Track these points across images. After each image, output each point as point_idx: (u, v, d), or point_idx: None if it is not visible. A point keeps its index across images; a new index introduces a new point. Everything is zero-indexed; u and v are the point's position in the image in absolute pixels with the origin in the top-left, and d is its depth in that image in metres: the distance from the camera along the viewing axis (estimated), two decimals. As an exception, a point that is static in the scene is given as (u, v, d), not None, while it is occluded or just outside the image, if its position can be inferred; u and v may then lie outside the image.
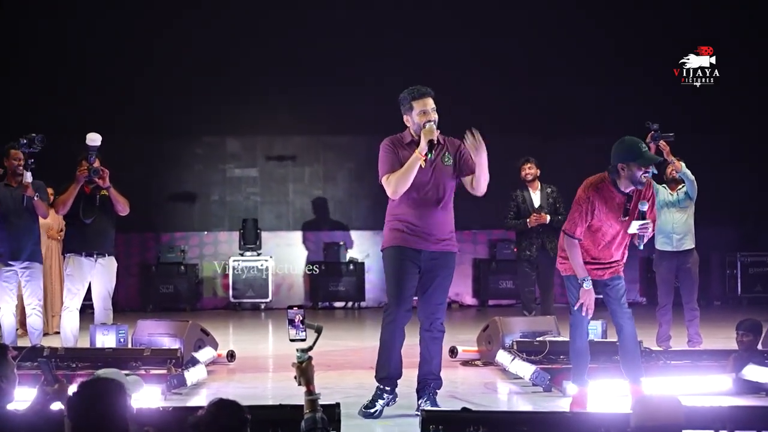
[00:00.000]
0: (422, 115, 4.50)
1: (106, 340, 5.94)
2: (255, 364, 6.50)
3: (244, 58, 11.27)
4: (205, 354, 6.03)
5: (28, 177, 6.02)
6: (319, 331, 3.24)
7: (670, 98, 10.20)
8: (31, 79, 11.00)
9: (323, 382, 5.04)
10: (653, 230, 4.52)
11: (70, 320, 6.18)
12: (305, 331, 3.21)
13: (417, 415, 4.16)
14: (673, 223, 6.73)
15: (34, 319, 6.25)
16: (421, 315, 4.57)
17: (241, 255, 11.11)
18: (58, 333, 6.77)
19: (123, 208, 6.25)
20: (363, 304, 11.15)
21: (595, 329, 5.86)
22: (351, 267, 11.20)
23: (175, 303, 10.86)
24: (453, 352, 6.42)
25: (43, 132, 6.08)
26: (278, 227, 11.65)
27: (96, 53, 11.09)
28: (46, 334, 7.22)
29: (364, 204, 11.44)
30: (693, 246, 6.79)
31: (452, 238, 4.58)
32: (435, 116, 4.51)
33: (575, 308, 4.50)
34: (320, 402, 3.06)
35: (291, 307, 3.26)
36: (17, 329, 6.60)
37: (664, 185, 6.79)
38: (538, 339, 5.88)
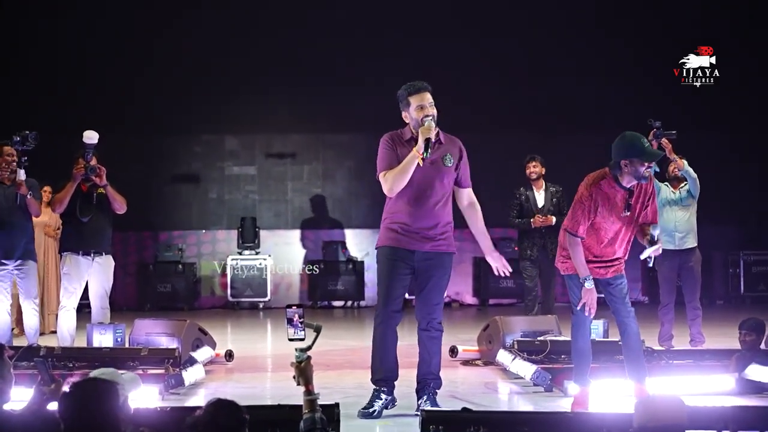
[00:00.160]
0: (419, 110, 4.45)
1: (103, 339, 5.92)
2: (253, 364, 6.48)
3: (243, 55, 11.27)
4: (203, 354, 6.01)
5: (22, 175, 5.97)
6: (318, 330, 3.22)
7: (670, 98, 10.20)
8: (31, 79, 10.99)
9: (322, 382, 5.03)
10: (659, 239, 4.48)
11: (66, 319, 6.15)
12: (304, 330, 3.20)
13: (417, 415, 4.13)
14: (676, 222, 6.71)
15: (31, 318, 6.21)
16: (419, 315, 4.55)
17: (240, 254, 11.09)
18: (55, 332, 6.74)
19: (120, 206, 6.22)
20: (362, 303, 11.13)
21: (596, 329, 5.83)
22: (350, 266, 11.18)
23: (172, 302, 10.86)
24: (453, 351, 6.40)
25: (42, 131, 6.03)
26: (277, 226, 11.64)
27: (95, 52, 11.12)
28: (42, 333, 7.19)
29: (364, 202, 11.42)
30: (695, 244, 6.77)
31: (448, 238, 4.53)
32: (433, 111, 4.46)
33: (578, 308, 4.46)
34: (319, 402, 3.05)
35: (290, 306, 3.24)
36: (13, 328, 6.57)
37: (666, 183, 6.77)
38: (539, 338, 5.86)
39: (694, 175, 6.58)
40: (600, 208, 4.37)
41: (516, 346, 5.72)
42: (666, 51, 9.95)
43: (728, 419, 3.53)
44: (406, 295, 4.62)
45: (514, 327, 6.07)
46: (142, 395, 4.11)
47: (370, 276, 11.13)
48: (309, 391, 3.04)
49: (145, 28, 11.12)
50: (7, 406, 3.40)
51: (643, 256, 4.48)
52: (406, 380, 4.68)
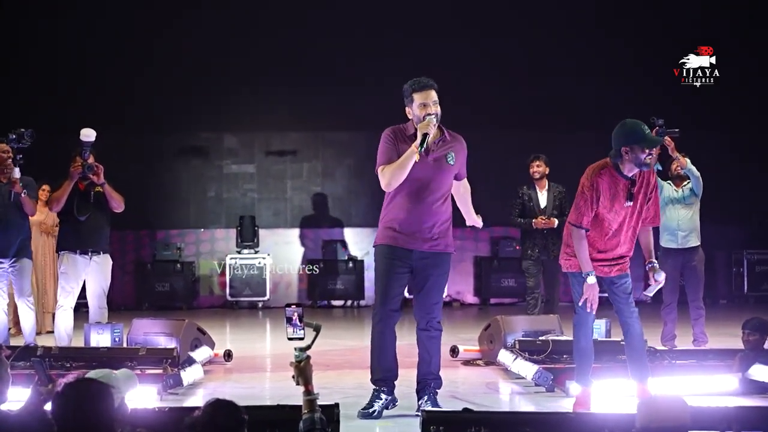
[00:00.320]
0: (423, 107, 4.42)
1: (101, 339, 5.89)
2: (252, 364, 6.45)
3: (242, 54, 11.26)
4: (201, 353, 5.98)
5: (16, 173, 5.92)
6: (317, 329, 3.20)
7: (670, 98, 10.20)
8: (30, 79, 10.98)
9: (322, 382, 5.01)
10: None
11: (64, 319, 6.11)
12: (303, 329, 3.19)
13: (417, 415, 4.11)
14: (678, 220, 6.69)
15: (26, 315, 6.16)
16: (417, 315, 4.52)
17: (239, 253, 11.06)
18: (52, 332, 6.71)
19: (118, 204, 6.18)
20: (362, 302, 11.11)
21: (599, 328, 5.80)
22: (350, 265, 11.15)
23: (171, 301, 10.83)
24: (454, 351, 6.38)
25: (41, 131, 5.98)
26: (276, 224, 11.62)
27: (95, 50, 11.12)
28: (39, 333, 7.15)
29: (364, 201, 11.40)
30: (698, 243, 6.75)
31: (447, 237, 4.51)
32: (436, 109, 4.42)
33: (579, 304, 4.41)
34: (319, 402, 3.04)
35: (289, 305, 3.23)
36: (10, 328, 6.53)
37: (669, 182, 6.74)
38: (540, 338, 5.83)
39: (697, 173, 6.56)
40: (602, 197, 4.33)
41: (517, 346, 5.69)
42: (666, 51, 9.96)
43: (731, 420, 3.52)
44: (406, 294, 4.59)
45: (515, 326, 6.04)
46: (140, 395, 4.10)
47: (370, 275, 11.08)
48: (308, 391, 3.02)
49: (145, 25, 11.10)
50: (4, 407, 3.38)
51: (647, 293, 4.49)
52: (407, 380, 4.66)
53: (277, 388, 5.32)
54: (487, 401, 4.86)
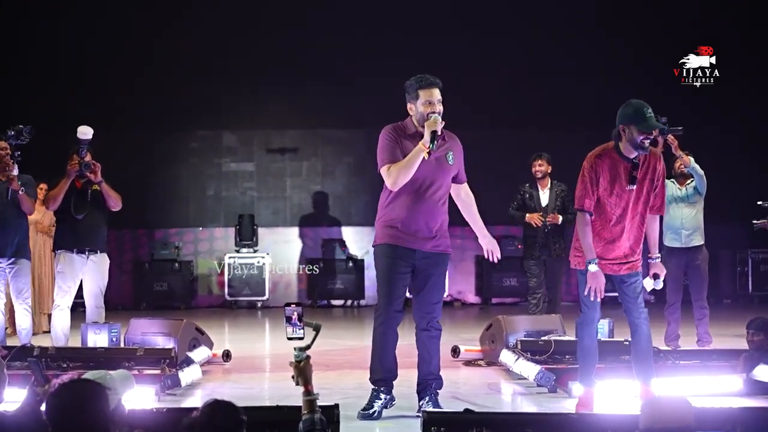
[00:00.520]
0: (427, 105, 4.39)
1: (98, 339, 5.85)
2: (251, 364, 6.43)
3: (241, 51, 11.27)
4: (199, 354, 5.96)
5: (14, 170, 5.86)
6: (317, 329, 3.19)
7: (670, 98, 10.19)
8: (30, 79, 10.97)
9: (322, 383, 4.97)
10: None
11: (60, 319, 6.06)
12: (303, 329, 3.18)
13: (418, 416, 4.09)
14: (682, 219, 6.66)
15: (23, 318, 6.11)
16: (417, 315, 4.50)
17: (237, 252, 11.03)
18: (49, 332, 6.65)
19: (115, 203, 6.13)
20: (362, 302, 11.08)
21: (602, 328, 5.76)
22: (350, 264, 11.11)
23: (169, 301, 10.81)
24: (455, 351, 6.35)
25: (40, 130, 5.93)
26: (275, 223, 11.60)
27: (94, 49, 11.13)
28: (36, 333, 7.10)
29: (364, 199, 11.38)
30: (702, 242, 6.73)
31: (447, 238, 4.51)
32: (440, 108, 4.41)
33: (584, 293, 4.35)
34: (319, 403, 3.02)
35: (288, 305, 3.22)
36: (6, 328, 6.48)
37: (672, 180, 6.71)
38: (542, 338, 5.81)
39: (701, 171, 6.54)
40: (601, 179, 4.29)
41: (519, 346, 5.66)
42: (666, 51, 9.98)
43: (736, 421, 3.50)
44: (407, 294, 4.56)
45: (517, 326, 6.02)
46: (138, 396, 4.06)
47: (371, 274, 11.05)
48: (308, 392, 3.01)
49: (144, 22, 11.10)
50: (0, 407, 3.33)
51: (645, 286, 4.45)
52: (407, 381, 4.64)
53: (276, 389, 5.29)
54: (488, 402, 4.84)
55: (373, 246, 4.55)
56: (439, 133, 4.34)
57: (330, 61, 11.21)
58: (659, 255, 4.51)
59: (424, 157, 4.31)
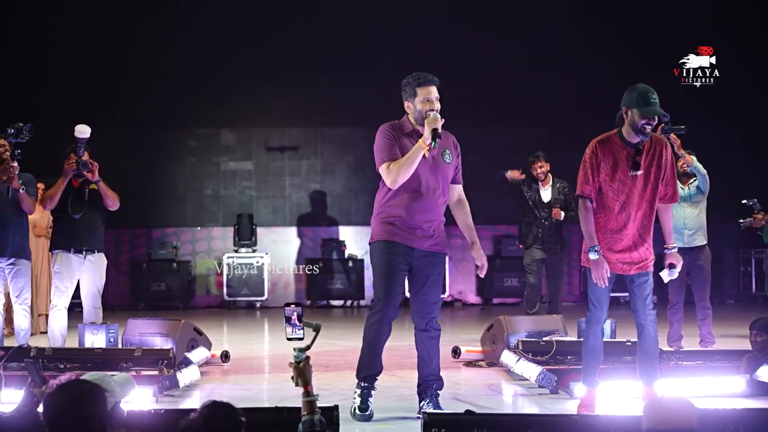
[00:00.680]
0: (425, 103, 4.37)
1: (96, 339, 5.80)
2: (250, 365, 6.40)
3: (239, 48, 11.26)
4: (198, 354, 5.92)
5: (15, 169, 5.80)
6: (317, 329, 3.17)
7: (670, 98, 10.18)
8: (24, 75, 10.91)
9: (321, 383, 4.94)
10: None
11: (58, 319, 6.02)
12: (303, 329, 3.16)
13: (419, 417, 4.04)
14: (685, 218, 6.63)
15: (21, 319, 6.06)
16: (416, 316, 4.46)
17: (236, 251, 11.00)
18: (46, 333, 6.60)
19: (113, 202, 6.09)
20: (362, 302, 11.06)
21: (604, 328, 5.70)
22: (350, 264, 11.07)
23: (167, 301, 10.79)
24: (456, 352, 6.32)
25: (36, 128, 5.88)
26: (274, 222, 11.57)
27: (88, 46, 11.08)
28: (33, 334, 7.05)
29: (364, 199, 11.35)
30: (705, 242, 6.70)
31: (444, 237, 4.49)
32: (438, 106, 4.38)
33: (593, 281, 4.29)
34: (318, 404, 3.00)
35: (288, 305, 3.20)
36: (3, 328, 6.43)
37: (675, 179, 6.67)
38: (544, 339, 5.77)
39: (704, 171, 6.52)
40: (603, 164, 4.24)
41: (521, 347, 5.63)
42: (666, 51, 9.95)
43: (739, 422, 3.47)
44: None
45: (518, 327, 5.99)
46: (136, 397, 4.01)
47: (371, 275, 11.01)
48: (308, 393, 2.99)
49: (139, 19, 11.07)
50: (-4, 409, 3.30)
51: (661, 275, 4.41)
52: (407, 381, 4.60)
53: (275, 390, 5.23)
54: (489, 403, 4.81)
55: (369, 243, 4.51)
56: (440, 130, 4.31)
57: (330, 59, 11.20)
58: (675, 246, 4.45)
59: (424, 155, 4.28)
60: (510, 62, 11.34)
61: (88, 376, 3.00)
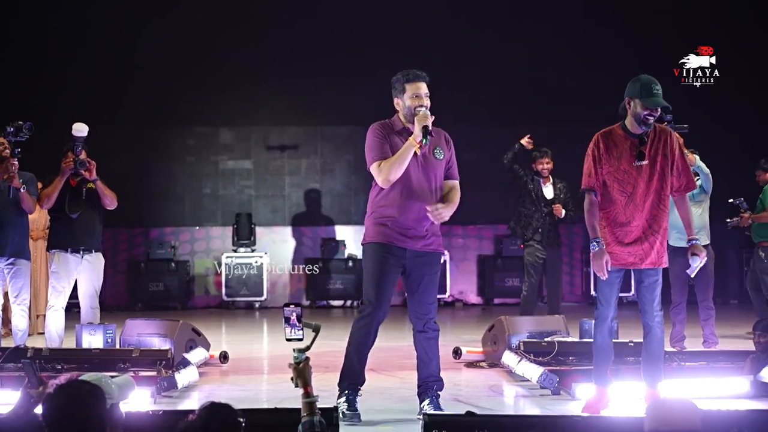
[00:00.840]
0: (415, 99, 4.35)
1: (93, 340, 5.79)
2: (249, 366, 6.39)
3: (239, 45, 11.24)
4: (196, 355, 5.90)
5: (15, 167, 5.76)
6: (317, 330, 3.16)
7: (670, 98, 10.17)
8: (22, 74, 10.87)
9: (321, 384, 4.92)
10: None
11: (55, 320, 5.99)
12: (302, 330, 3.15)
13: (419, 419, 4.03)
14: (687, 218, 6.59)
15: (19, 320, 6.02)
16: (413, 317, 4.43)
17: (235, 251, 10.97)
18: (43, 333, 6.57)
19: (110, 201, 6.06)
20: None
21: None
22: (349, 264, 11.03)
23: (165, 301, 10.76)
24: (457, 353, 6.30)
25: (36, 126, 5.84)
26: (273, 222, 11.54)
27: (89, 45, 11.06)
28: (30, 334, 7.01)
29: (363, 198, 11.27)
30: (708, 242, 6.69)
31: (438, 236, 4.45)
32: (427, 102, 4.36)
33: (601, 277, 4.26)
34: (318, 405, 2.99)
35: (287, 305, 3.19)
36: (1, 329, 6.40)
37: (677, 178, 6.66)
38: (546, 339, 5.76)
39: (707, 170, 6.52)
40: (606, 155, 4.22)
41: (522, 348, 5.61)
42: (666, 51, 9.95)
43: (742, 423, 3.47)
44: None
45: (519, 327, 5.97)
46: (134, 398, 3.98)
47: (367, 275, 11.02)
48: (307, 394, 2.98)
49: (137, 17, 11.04)
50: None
51: (689, 272, 4.40)
52: (407, 383, 4.57)
53: (274, 391, 5.24)
54: (490, 404, 4.79)
55: (362, 244, 4.48)
56: (430, 127, 4.27)
57: (330, 57, 11.18)
58: (697, 238, 4.42)
59: (415, 153, 4.24)
60: (510, 62, 11.34)
61: (85, 377, 2.97)
